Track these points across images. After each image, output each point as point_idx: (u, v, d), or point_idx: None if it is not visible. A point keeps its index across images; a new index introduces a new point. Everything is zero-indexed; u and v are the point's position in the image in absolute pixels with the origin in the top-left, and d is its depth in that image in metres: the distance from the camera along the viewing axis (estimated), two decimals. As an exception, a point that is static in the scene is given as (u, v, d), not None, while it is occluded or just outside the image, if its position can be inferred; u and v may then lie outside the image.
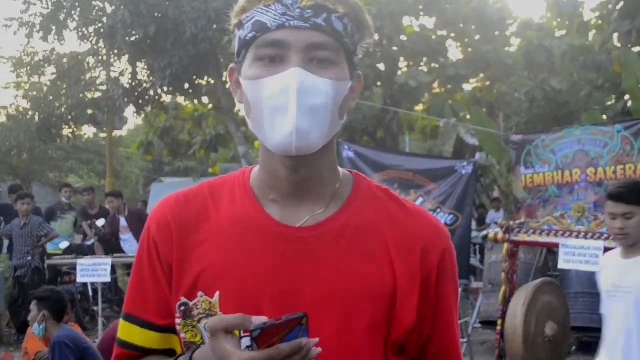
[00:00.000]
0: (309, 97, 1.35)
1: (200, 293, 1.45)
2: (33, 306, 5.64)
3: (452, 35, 20.02)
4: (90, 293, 10.89)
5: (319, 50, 1.39)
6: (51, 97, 18.02)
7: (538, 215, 7.87)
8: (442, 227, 1.55)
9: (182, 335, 1.49)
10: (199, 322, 1.46)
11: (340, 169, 1.54)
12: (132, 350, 1.56)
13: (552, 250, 8.73)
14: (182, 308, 1.47)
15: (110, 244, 11.51)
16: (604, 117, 16.85)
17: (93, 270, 9.27)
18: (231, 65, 1.52)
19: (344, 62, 1.43)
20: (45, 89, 19.27)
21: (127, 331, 1.56)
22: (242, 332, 1.28)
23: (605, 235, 6.59)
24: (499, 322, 7.03)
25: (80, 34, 15.46)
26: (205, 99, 19.72)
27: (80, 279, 9.53)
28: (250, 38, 1.42)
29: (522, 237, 7.16)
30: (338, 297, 1.41)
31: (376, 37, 1.45)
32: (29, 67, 18.53)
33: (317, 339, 1.26)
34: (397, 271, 1.45)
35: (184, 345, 1.49)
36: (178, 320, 1.49)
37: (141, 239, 1.56)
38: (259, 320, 1.25)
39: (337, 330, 1.41)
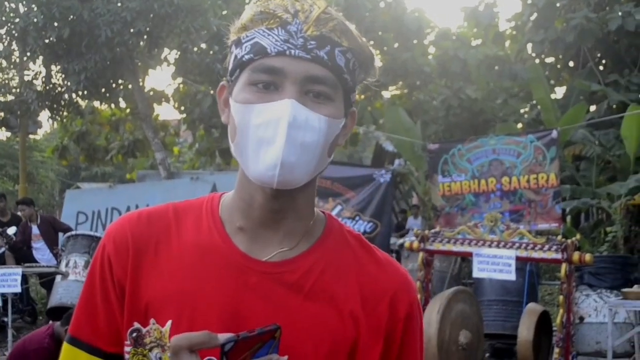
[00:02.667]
0: (299, 131, 1.29)
1: (152, 320, 1.36)
2: None
3: (371, 42, 20.20)
4: (0, 303, 10.55)
5: (317, 83, 1.32)
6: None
7: (456, 223, 8.00)
8: (411, 279, 1.48)
9: None
10: (150, 350, 1.37)
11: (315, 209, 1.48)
12: None
13: (466, 259, 8.88)
14: (134, 335, 1.38)
15: (21, 253, 11.19)
16: (519, 125, 17.26)
17: (3, 280, 9.01)
18: (222, 82, 1.44)
19: (340, 99, 1.36)
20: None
21: (71, 356, 1.45)
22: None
23: (517, 244, 6.73)
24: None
25: (-8, 35, 15.03)
26: (122, 104, 19.41)
27: (-11, 289, 9.24)
28: (246, 60, 1.34)
29: (437, 246, 7.25)
30: (292, 343, 1.31)
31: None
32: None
33: (286, 357, 1.21)
34: (360, 322, 1.38)
35: None
36: (128, 348, 1.39)
37: (94, 255, 1.45)
38: (224, 337, 1.18)
39: None
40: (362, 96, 20.79)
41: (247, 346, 1.19)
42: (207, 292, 1.36)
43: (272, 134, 1.28)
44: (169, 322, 1.35)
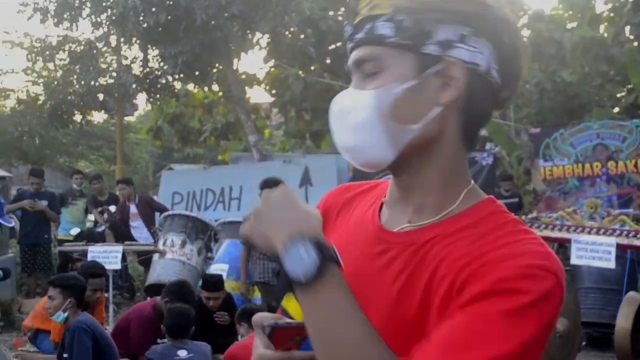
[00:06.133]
0: (348, 115, 1.37)
1: None
2: (56, 294, 5.64)
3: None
4: (101, 279, 10.91)
5: (364, 64, 1.37)
6: (59, 85, 17.92)
7: (558, 207, 7.90)
8: (540, 255, 1.26)
9: None
10: None
11: (471, 187, 1.43)
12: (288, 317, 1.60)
13: (563, 245, 8.74)
14: None
15: (120, 231, 11.54)
16: (616, 109, 16.83)
17: (104, 257, 9.27)
18: None
19: (398, 63, 1.34)
20: (57, 74, 19.23)
21: (287, 300, 1.55)
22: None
23: (618, 232, 6.60)
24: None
25: (93, 20, 15.46)
26: (215, 87, 19.72)
27: (91, 266, 9.55)
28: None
29: (534, 231, 7.16)
30: (395, 316, 1.33)
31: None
32: (46, 53, 18.43)
33: None
34: (452, 303, 1.28)
35: None
36: None
37: None
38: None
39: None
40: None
41: (288, 336, 1.25)
42: (349, 259, 1.39)
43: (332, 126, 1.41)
44: None
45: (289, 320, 1.30)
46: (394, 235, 1.41)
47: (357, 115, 1.35)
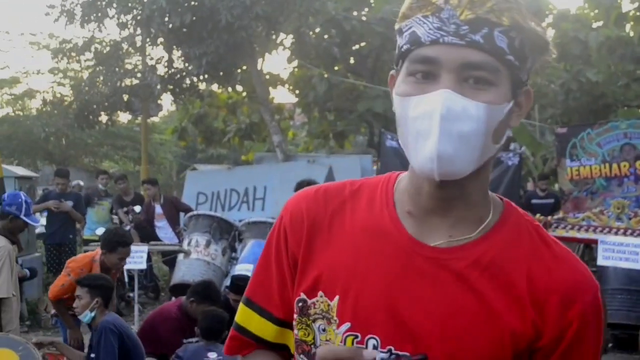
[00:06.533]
0: (456, 122, 1.27)
1: (320, 293, 1.42)
2: (84, 293, 5.67)
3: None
4: (126, 279, 10.98)
5: (475, 69, 1.29)
6: (86, 86, 18.03)
7: (585, 207, 7.84)
8: (591, 279, 1.39)
9: (295, 331, 1.47)
10: (314, 321, 1.43)
11: (490, 194, 1.44)
12: (246, 336, 1.56)
13: (589, 246, 8.68)
14: (300, 304, 1.45)
15: (145, 231, 11.59)
16: (642, 109, 16.69)
17: (130, 257, 9.29)
18: (391, 72, 1.42)
19: (504, 82, 1.31)
20: (84, 75, 19.37)
21: (245, 316, 1.56)
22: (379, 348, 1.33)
23: (646, 233, 6.56)
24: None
25: (119, 21, 15.56)
26: (239, 87, 19.78)
27: (116, 266, 9.60)
28: (405, 50, 1.34)
29: (560, 232, 7.14)
30: (450, 334, 1.33)
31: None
32: (72, 53, 18.52)
33: None
34: (526, 315, 1.34)
35: (295, 343, 1.48)
36: (295, 316, 1.46)
37: (273, 226, 1.53)
38: (370, 354, 1.25)
39: None
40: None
41: None
42: (374, 272, 1.38)
43: (427, 127, 1.27)
44: (337, 298, 1.39)
45: (402, 353, 1.31)
46: (437, 251, 1.37)
47: (465, 124, 1.28)
